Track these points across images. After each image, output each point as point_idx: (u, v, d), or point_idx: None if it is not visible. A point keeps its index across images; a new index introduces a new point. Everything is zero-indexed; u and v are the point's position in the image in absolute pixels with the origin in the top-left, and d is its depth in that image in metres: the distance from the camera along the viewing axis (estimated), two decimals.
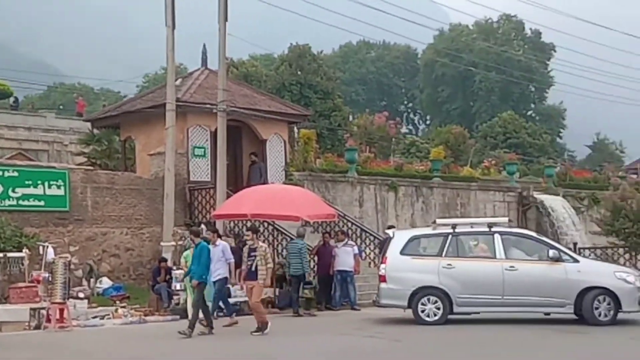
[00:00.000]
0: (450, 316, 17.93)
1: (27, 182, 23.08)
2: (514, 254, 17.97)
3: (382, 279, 19.28)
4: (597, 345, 15.08)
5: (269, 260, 17.83)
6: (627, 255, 26.77)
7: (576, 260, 17.83)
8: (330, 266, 21.84)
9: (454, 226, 18.75)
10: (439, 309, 18.27)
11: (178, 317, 19.88)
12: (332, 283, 22.78)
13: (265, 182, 26.60)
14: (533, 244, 18.43)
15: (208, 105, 25.96)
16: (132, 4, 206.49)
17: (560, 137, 79.13)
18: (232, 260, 19.34)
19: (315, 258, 22.56)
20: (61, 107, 59.38)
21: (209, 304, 17.56)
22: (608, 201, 29.89)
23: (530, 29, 79.98)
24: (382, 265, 19.54)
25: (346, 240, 23.09)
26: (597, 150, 77.86)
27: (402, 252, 19.21)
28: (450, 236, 18.58)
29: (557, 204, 31.53)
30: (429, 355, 13.81)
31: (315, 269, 22.30)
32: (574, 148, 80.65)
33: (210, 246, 18.82)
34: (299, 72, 49.73)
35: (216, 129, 25.39)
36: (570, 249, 26.91)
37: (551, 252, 17.49)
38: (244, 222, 23.87)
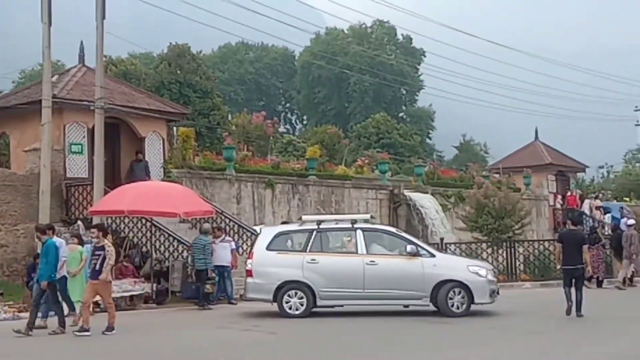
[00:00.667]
0: (314, 309, 18.10)
1: None
2: (375, 249, 18.29)
3: (249, 273, 19.38)
4: (459, 334, 15.60)
5: (112, 258, 17.34)
6: (489, 250, 27.73)
7: (433, 255, 18.27)
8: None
9: (318, 222, 18.91)
10: (302, 302, 18.46)
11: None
12: (206, 277, 22.67)
13: (149, 179, 26.31)
14: (393, 239, 18.75)
15: (85, 102, 25.40)
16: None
17: (430, 138, 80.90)
18: (65, 258, 18.84)
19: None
20: None
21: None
22: (472, 199, 30.91)
23: (402, 34, 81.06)
24: (249, 261, 19.65)
25: (223, 236, 23.17)
26: (463, 150, 79.63)
27: (268, 248, 19.39)
28: (314, 232, 18.75)
29: (425, 202, 31.92)
30: (304, 346, 14.02)
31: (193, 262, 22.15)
32: (442, 148, 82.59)
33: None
34: (178, 71, 49.26)
35: (94, 126, 24.78)
36: (437, 244, 27.86)
37: (409, 247, 17.81)
38: (122, 218, 23.80)
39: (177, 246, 23.76)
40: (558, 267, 22.46)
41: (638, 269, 27.26)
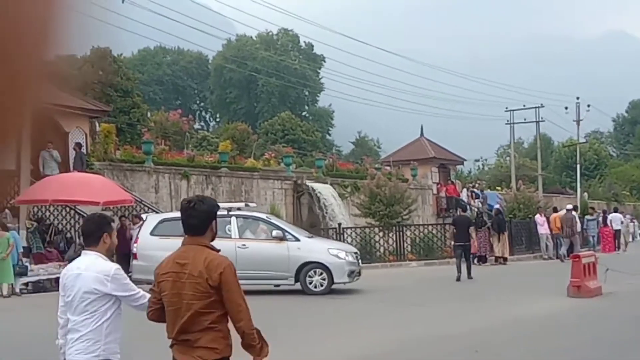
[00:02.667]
0: None
1: None
2: (247, 234, 18.51)
3: (135, 256, 19.62)
4: (351, 308, 15.91)
5: None
6: (381, 234, 28.26)
7: (297, 239, 18.53)
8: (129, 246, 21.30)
9: None
10: None
11: None
12: (129, 260, 22.31)
13: (85, 170, 25.59)
14: (263, 225, 19.02)
15: None
16: None
17: (329, 135, 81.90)
18: None
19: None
20: None
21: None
22: (366, 188, 31.15)
23: (305, 42, 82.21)
24: (135, 245, 19.89)
25: (141, 222, 22.71)
26: (358, 145, 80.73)
27: (151, 233, 19.58)
28: None
29: (325, 191, 32.29)
30: None
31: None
32: (340, 144, 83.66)
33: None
34: (100, 72, 47.57)
35: None
36: (335, 228, 28.28)
37: (275, 232, 18.13)
38: (47, 206, 23.47)
39: None
40: (452, 243, 24.02)
41: (575, 246, 28.68)
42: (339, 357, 11.19)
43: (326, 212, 31.76)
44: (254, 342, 4.85)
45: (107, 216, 6.41)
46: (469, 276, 21.48)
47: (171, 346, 5.06)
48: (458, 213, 26.94)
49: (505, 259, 27.86)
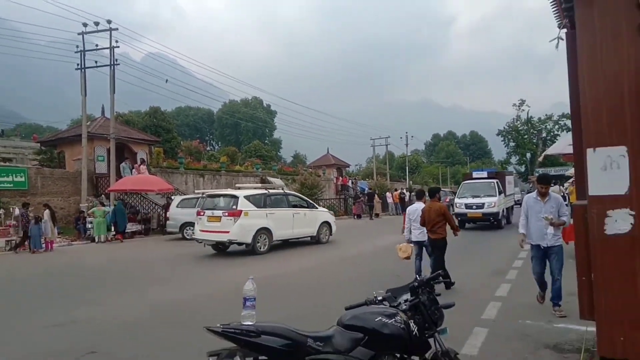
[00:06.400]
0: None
1: (3, 174, 23.67)
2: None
3: (167, 218, 21.30)
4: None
5: None
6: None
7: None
8: None
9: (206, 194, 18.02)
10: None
11: (89, 241, 21.20)
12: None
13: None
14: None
15: (104, 135, 27.32)
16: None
17: (280, 152, 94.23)
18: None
19: None
20: (23, 135, 57.50)
21: None
22: (299, 181, 34.49)
23: (266, 104, 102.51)
24: (168, 212, 21.59)
25: (171, 201, 22.98)
26: (296, 158, 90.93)
27: (177, 206, 21.15)
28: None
29: (277, 182, 29.41)
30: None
31: None
32: (286, 157, 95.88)
33: None
34: (154, 120, 48.07)
35: (109, 147, 26.59)
36: None
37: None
38: (126, 193, 25.16)
39: (154, 207, 25.22)
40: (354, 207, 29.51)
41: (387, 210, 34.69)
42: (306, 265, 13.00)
43: None
44: None
45: None
46: (371, 218, 27.44)
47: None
48: (358, 195, 34.17)
49: (377, 215, 34.27)
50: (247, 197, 15.75)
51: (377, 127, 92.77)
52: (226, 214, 15.38)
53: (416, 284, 4.05)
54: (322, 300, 8.56)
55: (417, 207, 10.25)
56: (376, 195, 36.14)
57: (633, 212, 4.36)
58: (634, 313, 4.31)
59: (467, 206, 21.96)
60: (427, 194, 10.23)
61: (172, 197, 24.07)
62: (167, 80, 29.44)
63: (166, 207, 23.69)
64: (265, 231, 15.81)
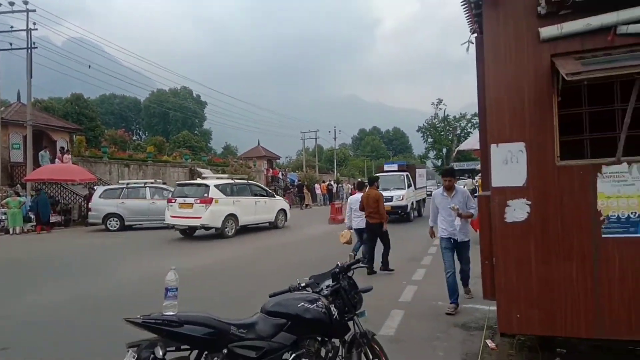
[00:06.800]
0: None
1: None
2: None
3: (90, 209, 21.11)
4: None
5: None
6: None
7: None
8: None
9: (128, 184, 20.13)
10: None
11: (3, 233, 20.65)
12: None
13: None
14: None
15: (20, 121, 26.75)
16: None
17: (210, 143, 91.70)
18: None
19: None
20: None
21: None
22: (230, 170, 36.05)
23: (196, 94, 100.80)
24: (90, 202, 21.27)
25: (94, 191, 22.39)
26: (226, 149, 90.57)
27: (99, 196, 20.99)
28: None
29: (206, 172, 27.25)
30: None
31: None
32: (216, 148, 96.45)
33: None
34: (76, 107, 47.89)
35: (26, 135, 26.02)
36: None
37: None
38: (45, 183, 24.48)
39: (75, 197, 25.02)
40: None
41: (333, 199, 35.71)
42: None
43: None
44: None
45: None
46: (302, 208, 28.35)
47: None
48: (289, 185, 34.44)
49: (308, 205, 35.48)
50: (217, 186, 17.33)
51: (307, 121, 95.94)
52: (198, 201, 16.95)
53: (337, 270, 4.18)
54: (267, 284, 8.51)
55: (358, 197, 11.17)
56: (305, 187, 37.01)
57: (529, 202, 4.78)
58: (529, 293, 4.75)
59: None
60: (367, 183, 11.11)
61: (95, 188, 23.91)
62: (89, 66, 28.68)
63: (88, 198, 23.44)
64: (232, 217, 17.53)
